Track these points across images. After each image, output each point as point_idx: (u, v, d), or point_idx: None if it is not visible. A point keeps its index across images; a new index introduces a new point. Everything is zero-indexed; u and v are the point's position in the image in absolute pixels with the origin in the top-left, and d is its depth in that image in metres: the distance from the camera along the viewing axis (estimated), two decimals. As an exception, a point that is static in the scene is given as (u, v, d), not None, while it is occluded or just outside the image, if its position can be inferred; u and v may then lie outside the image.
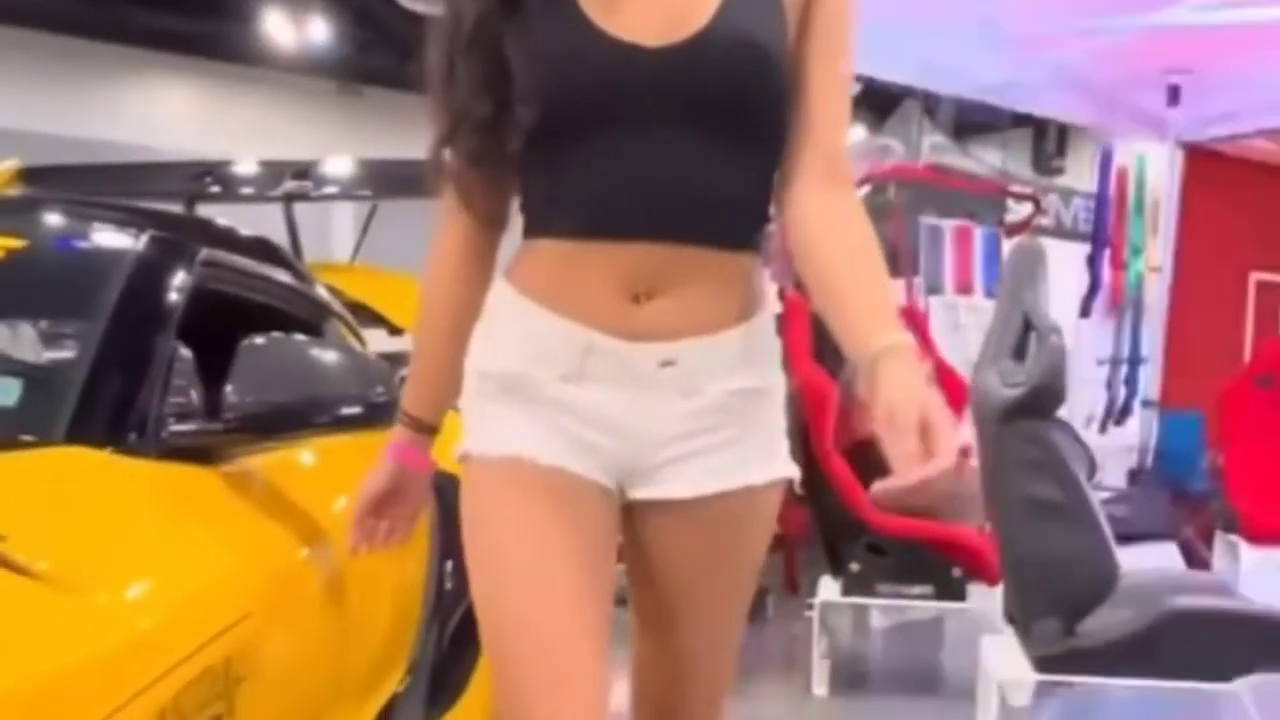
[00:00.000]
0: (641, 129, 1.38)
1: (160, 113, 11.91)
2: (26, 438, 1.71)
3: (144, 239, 2.09)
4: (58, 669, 1.24)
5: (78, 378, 1.79)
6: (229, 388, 1.91)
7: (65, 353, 1.84)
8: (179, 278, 2.05)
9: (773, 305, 4.77)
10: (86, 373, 1.80)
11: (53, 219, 2.25)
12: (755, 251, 1.51)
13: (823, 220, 1.45)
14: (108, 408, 1.78)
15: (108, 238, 2.17)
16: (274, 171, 4.01)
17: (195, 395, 1.94)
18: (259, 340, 1.95)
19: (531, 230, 1.49)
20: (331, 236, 7.46)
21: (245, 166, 4.06)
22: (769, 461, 1.54)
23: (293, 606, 1.87)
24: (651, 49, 1.37)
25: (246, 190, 4.01)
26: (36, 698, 1.20)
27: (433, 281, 1.61)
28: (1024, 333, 3.02)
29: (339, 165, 4.14)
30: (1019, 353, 3.01)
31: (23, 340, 1.80)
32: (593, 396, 1.45)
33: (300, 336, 2.13)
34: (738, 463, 1.50)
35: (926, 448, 1.21)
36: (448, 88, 1.44)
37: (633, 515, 1.54)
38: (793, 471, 1.57)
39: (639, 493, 1.50)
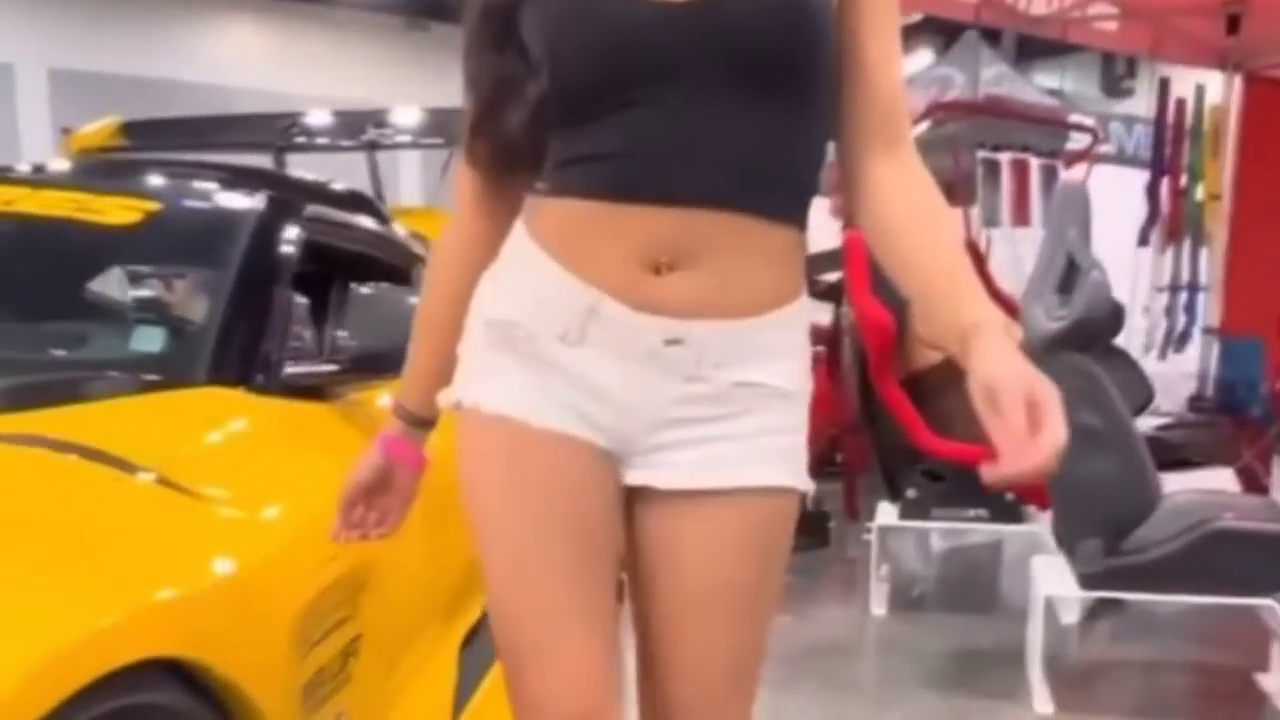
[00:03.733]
0: (667, 89, 1.28)
1: (229, 51, 12.12)
2: (170, 379, 1.94)
3: (261, 199, 2.33)
4: (230, 574, 1.48)
5: (213, 326, 2.03)
6: (340, 332, 2.14)
7: (201, 304, 2.06)
8: (292, 233, 2.28)
9: (834, 239, 4.82)
10: (220, 321, 2.04)
11: (181, 184, 2.48)
12: (796, 228, 1.39)
13: (890, 189, 1.38)
14: (239, 352, 2.03)
15: (230, 199, 2.40)
16: (356, 120, 4.16)
17: (307, 338, 2.19)
18: (364, 291, 2.18)
19: (552, 191, 1.37)
20: (400, 181, 7.60)
21: (329, 116, 4.21)
22: (776, 466, 1.40)
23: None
24: (674, 3, 1.26)
25: (331, 140, 4.16)
26: (212, 598, 1.44)
27: (437, 273, 1.54)
28: (1068, 269, 3.16)
29: (414, 114, 4.26)
30: (1063, 288, 3.16)
31: (165, 293, 2.02)
32: (590, 363, 1.34)
33: (396, 286, 2.34)
34: (738, 460, 1.37)
35: (1033, 422, 1.17)
36: (468, 78, 1.40)
37: (627, 505, 1.43)
38: (805, 485, 1.43)
39: (629, 476, 1.39)
